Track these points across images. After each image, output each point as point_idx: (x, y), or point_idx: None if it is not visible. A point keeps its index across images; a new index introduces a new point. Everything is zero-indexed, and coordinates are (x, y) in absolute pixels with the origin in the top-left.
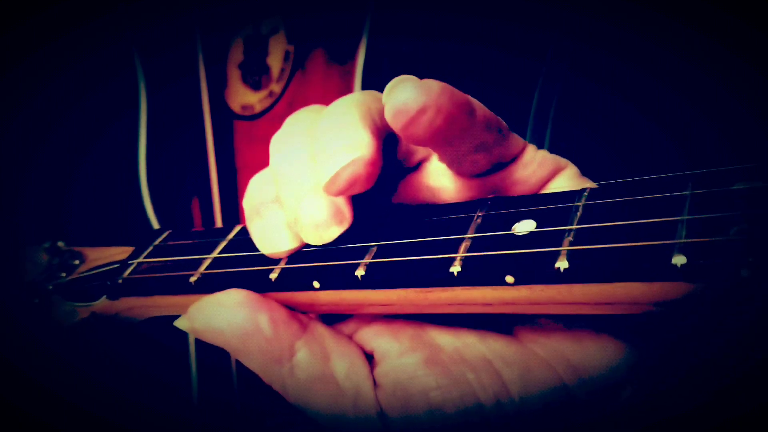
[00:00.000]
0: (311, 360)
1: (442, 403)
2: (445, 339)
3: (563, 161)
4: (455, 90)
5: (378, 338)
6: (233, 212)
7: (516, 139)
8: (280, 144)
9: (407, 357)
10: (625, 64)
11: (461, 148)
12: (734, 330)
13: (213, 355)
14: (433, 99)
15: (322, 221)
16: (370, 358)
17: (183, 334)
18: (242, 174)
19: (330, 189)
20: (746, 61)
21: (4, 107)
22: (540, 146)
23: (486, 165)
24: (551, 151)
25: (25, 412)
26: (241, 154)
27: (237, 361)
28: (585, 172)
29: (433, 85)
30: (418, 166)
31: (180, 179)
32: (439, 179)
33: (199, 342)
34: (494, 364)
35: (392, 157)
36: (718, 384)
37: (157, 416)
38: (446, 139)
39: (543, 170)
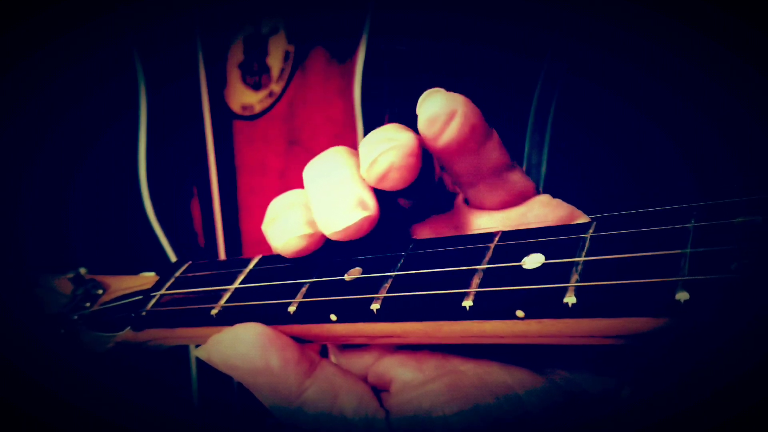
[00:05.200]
0: (320, 397)
1: (463, 428)
2: (468, 366)
3: (578, 211)
4: (475, 105)
5: (401, 368)
6: (233, 212)
7: (529, 180)
8: (314, 167)
9: (430, 385)
10: (625, 64)
11: (482, 167)
12: (733, 333)
13: None
14: (459, 106)
15: (346, 207)
16: (378, 392)
17: None
18: (242, 174)
19: (371, 173)
20: (746, 61)
21: (4, 107)
22: (540, 146)
23: (505, 197)
24: (551, 151)
25: (23, 412)
26: (241, 154)
27: None
28: (585, 171)
29: (458, 96)
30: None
31: (180, 179)
32: (467, 218)
33: None
34: (516, 389)
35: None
36: (717, 384)
37: (157, 416)
38: (470, 148)
39: (560, 211)
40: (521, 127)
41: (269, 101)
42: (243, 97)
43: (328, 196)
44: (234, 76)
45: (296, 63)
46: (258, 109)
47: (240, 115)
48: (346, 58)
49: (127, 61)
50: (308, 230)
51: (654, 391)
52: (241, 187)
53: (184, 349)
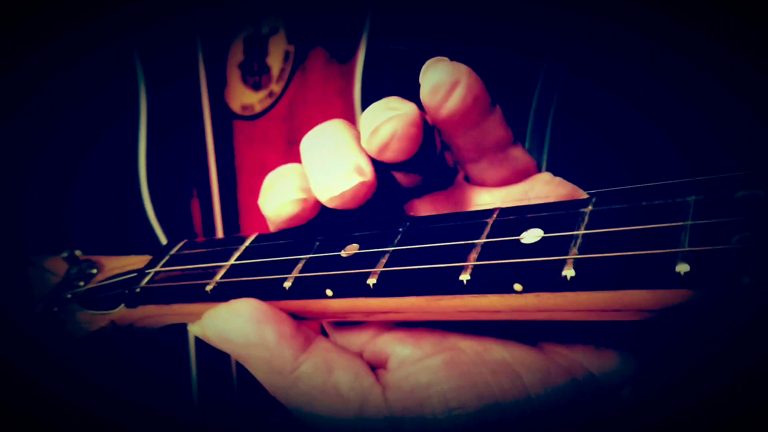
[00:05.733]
0: (314, 372)
1: (460, 404)
2: (467, 344)
3: (580, 190)
4: (478, 76)
5: (398, 344)
6: (233, 212)
7: (531, 158)
8: (312, 137)
9: (428, 361)
10: (625, 64)
11: (484, 140)
12: (734, 330)
13: (213, 355)
14: (463, 75)
15: (343, 172)
16: (375, 370)
17: (183, 335)
18: (242, 174)
19: (373, 142)
20: (746, 61)
21: (4, 107)
22: (540, 146)
23: (507, 174)
24: (551, 151)
25: (23, 412)
26: (241, 154)
27: (237, 362)
28: (585, 171)
29: (461, 65)
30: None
31: (180, 179)
32: (467, 195)
33: (199, 343)
34: (515, 368)
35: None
36: (717, 384)
37: (157, 416)
38: (473, 120)
39: (562, 190)
40: (521, 127)
41: (269, 101)
42: (243, 97)
43: (324, 162)
44: (234, 76)
45: (296, 63)
46: (258, 109)
47: (240, 115)
48: (346, 58)
49: (127, 61)
50: (302, 195)
51: (655, 390)
52: (241, 187)
53: (184, 349)
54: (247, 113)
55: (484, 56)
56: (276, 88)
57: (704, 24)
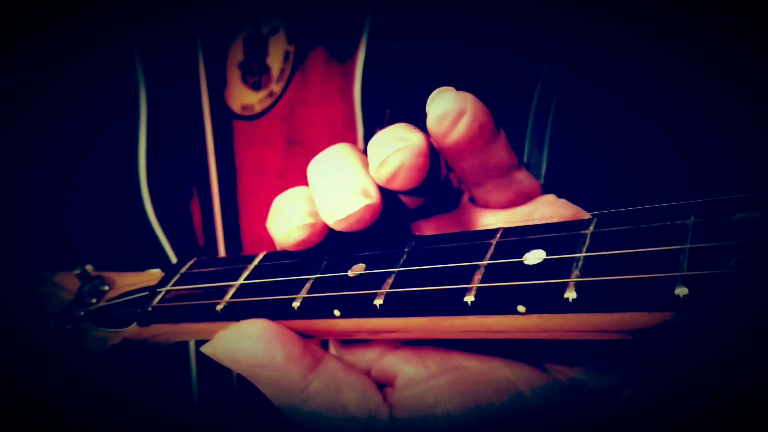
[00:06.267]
0: (323, 391)
1: (465, 423)
2: (472, 362)
3: (583, 211)
4: (483, 104)
5: (404, 364)
6: (233, 212)
7: (535, 180)
8: (318, 161)
9: (434, 380)
10: (625, 64)
11: (488, 165)
12: (733, 334)
13: None
14: (468, 104)
15: (349, 195)
16: (382, 386)
17: None
18: (242, 174)
19: (381, 172)
20: (746, 61)
21: (4, 107)
22: (540, 146)
23: (511, 197)
24: (551, 151)
25: (23, 411)
26: (241, 154)
27: None
28: (585, 171)
29: (467, 95)
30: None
31: (180, 179)
32: (472, 216)
33: (199, 344)
34: (519, 387)
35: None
36: (717, 384)
37: (157, 416)
38: (478, 147)
39: (565, 211)
40: (521, 127)
41: (269, 101)
42: (243, 97)
43: (330, 186)
44: (234, 76)
45: (296, 63)
46: (258, 109)
47: (240, 115)
48: (346, 58)
49: (127, 61)
50: (310, 220)
51: (655, 391)
52: (241, 187)
53: (184, 349)
54: (247, 113)
55: (484, 56)
56: (276, 88)
57: (704, 24)
